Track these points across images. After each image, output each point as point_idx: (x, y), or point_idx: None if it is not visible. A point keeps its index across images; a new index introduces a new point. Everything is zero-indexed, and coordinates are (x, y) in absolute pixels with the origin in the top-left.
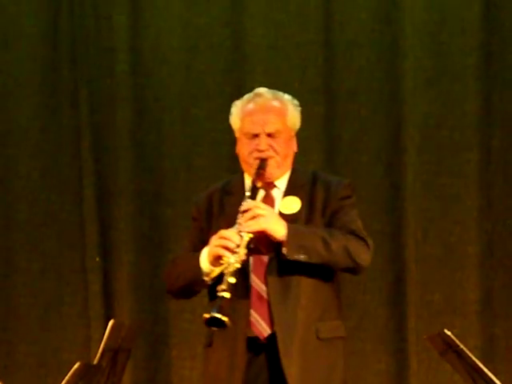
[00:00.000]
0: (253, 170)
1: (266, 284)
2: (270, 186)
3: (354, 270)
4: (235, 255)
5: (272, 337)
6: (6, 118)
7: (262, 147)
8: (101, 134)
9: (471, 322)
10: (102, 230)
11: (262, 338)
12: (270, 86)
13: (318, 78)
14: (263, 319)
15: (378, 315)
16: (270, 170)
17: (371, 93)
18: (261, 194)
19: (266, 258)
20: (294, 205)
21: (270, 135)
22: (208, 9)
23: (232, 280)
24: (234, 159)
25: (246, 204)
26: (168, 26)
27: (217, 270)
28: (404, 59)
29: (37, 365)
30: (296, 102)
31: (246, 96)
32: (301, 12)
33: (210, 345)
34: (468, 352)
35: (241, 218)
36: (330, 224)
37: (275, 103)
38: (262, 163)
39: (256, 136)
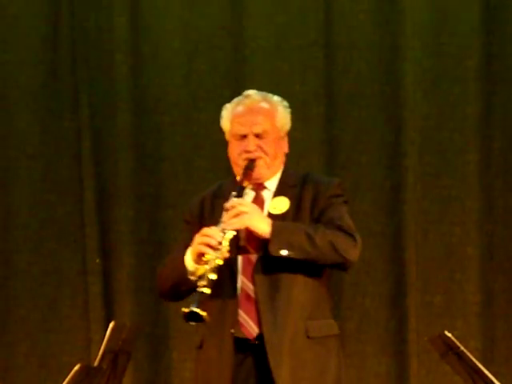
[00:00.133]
0: (241, 171)
1: (254, 283)
2: (260, 187)
3: (343, 265)
4: (217, 252)
5: (261, 337)
6: (6, 120)
7: (250, 148)
8: (101, 137)
9: (471, 324)
10: (102, 232)
11: (250, 338)
12: (270, 89)
13: (319, 80)
14: (251, 319)
15: (378, 317)
16: (259, 170)
17: (371, 95)
18: (251, 195)
19: (254, 258)
20: (282, 205)
21: (257, 136)
22: (208, 11)
23: (213, 276)
24: None
25: (230, 202)
26: (168, 29)
27: (201, 269)
28: (404, 61)
29: (37, 367)
30: (286, 103)
31: (236, 99)
32: (301, 14)
33: (200, 346)
34: (468, 354)
35: (225, 216)
36: (318, 221)
37: (263, 104)
38: (250, 164)
39: (244, 137)
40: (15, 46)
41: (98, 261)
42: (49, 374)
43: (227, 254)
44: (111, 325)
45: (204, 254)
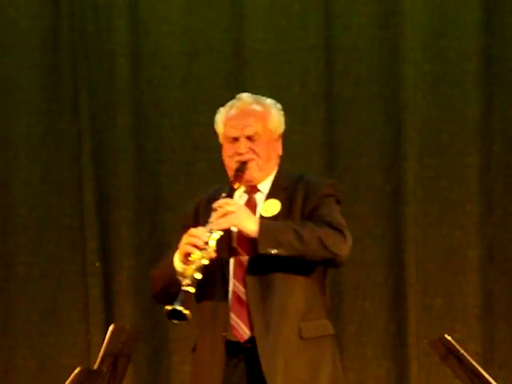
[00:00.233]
0: (232, 173)
1: (245, 286)
2: (253, 189)
3: (333, 261)
4: (203, 252)
5: (252, 340)
6: (6, 122)
7: (242, 150)
8: (101, 139)
9: (472, 327)
10: (102, 234)
11: (242, 341)
12: (270, 91)
13: (319, 83)
14: (243, 322)
15: (378, 320)
16: (251, 172)
17: (371, 97)
18: (243, 198)
19: (245, 261)
20: (273, 208)
21: (249, 138)
22: (208, 13)
23: (198, 275)
24: None
25: (217, 202)
26: (168, 31)
27: (189, 269)
28: (404, 64)
29: (37, 369)
30: (279, 105)
31: (229, 102)
32: (301, 17)
33: (194, 349)
34: (468, 357)
35: (212, 216)
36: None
37: (255, 107)
38: (242, 166)
39: (236, 140)
40: (15, 49)
41: (97, 264)
42: (48, 377)
43: (214, 254)
44: (111, 328)
45: (190, 253)
